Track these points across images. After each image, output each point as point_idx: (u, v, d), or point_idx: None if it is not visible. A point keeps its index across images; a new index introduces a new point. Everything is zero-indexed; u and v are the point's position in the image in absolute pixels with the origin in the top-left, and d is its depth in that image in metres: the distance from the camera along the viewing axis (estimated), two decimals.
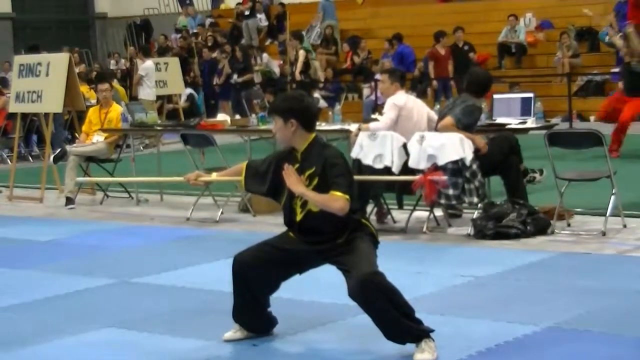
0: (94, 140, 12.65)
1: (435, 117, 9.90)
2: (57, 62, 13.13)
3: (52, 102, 12.97)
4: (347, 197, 5.68)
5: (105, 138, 12.61)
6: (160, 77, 19.89)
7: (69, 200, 12.22)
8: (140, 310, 7.11)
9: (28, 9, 32.49)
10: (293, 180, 5.77)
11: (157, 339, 6.33)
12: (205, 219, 10.84)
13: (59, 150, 12.89)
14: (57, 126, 17.08)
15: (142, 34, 30.28)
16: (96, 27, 35.08)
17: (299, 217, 5.93)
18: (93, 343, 6.28)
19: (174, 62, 20.87)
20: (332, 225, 5.81)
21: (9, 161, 16.49)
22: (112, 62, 29.20)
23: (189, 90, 23.93)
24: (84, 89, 16.52)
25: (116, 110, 12.74)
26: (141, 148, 17.84)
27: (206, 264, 8.62)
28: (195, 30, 29.20)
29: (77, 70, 15.34)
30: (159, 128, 12.71)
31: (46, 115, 13.83)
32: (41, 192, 12.87)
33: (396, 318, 5.68)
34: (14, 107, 13.63)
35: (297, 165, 5.86)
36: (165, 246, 9.67)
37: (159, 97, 20.63)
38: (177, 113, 20.70)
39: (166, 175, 12.91)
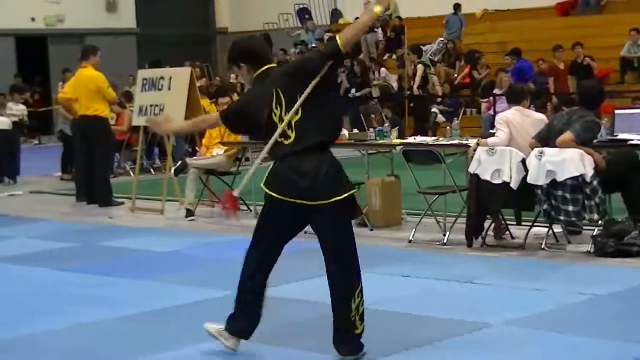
0: (214, 153, 12.83)
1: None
2: (179, 77, 13.36)
3: (174, 116, 13.12)
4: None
5: (225, 151, 12.78)
6: None
7: (189, 212, 12.40)
8: (261, 321, 7.15)
9: (152, 24, 33.15)
10: None
11: (279, 352, 6.38)
12: None
13: (179, 163, 13.09)
14: (178, 139, 17.36)
15: None
16: (217, 41, 35.63)
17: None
18: (213, 354, 6.37)
19: None
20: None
21: (131, 173, 16.81)
22: (233, 76, 29.57)
23: None
24: (205, 103, 16.76)
25: None
26: (260, 162, 17.98)
27: (324, 277, 8.64)
28: (314, 45, 29.41)
29: (198, 84, 15.58)
30: None
31: None
32: (162, 204, 13.09)
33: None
34: (137, 121, 13.89)
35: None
36: (283, 259, 9.71)
37: None
38: None
39: None
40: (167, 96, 13.13)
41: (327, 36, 29.98)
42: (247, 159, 13.38)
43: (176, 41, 33.31)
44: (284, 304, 7.75)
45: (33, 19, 30.98)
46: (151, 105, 13.32)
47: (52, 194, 15.83)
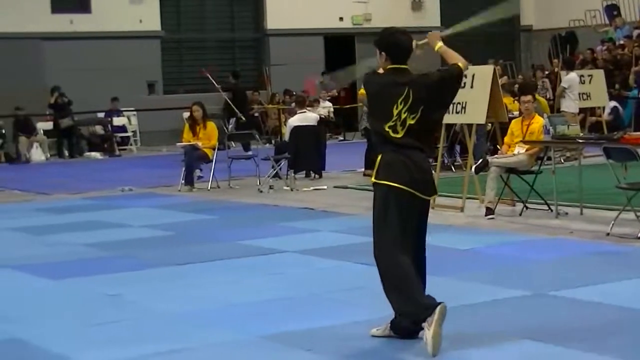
0: (516, 151, 12.73)
1: None
2: (482, 74, 13.34)
3: (476, 114, 13.18)
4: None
5: (527, 150, 12.65)
6: (584, 89, 19.65)
7: (489, 211, 12.37)
8: (556, 324, 7.06)
9: (456, 22, 33.24)
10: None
11: (571, 355, 6.27)
12: (626, 234, 10.57)
13: (480, 160, 13.08)
14: (479, 137, 17.32)
15: (566, 46, 30.06)
16: (521, 39, 35.31)
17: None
18: (508, 354, 6.35)
19: (599, 75, 20.54)
20: None
21: (432, 171, 16.93)
22: (539, 73, 29.22)
23: (613, 103, 23.46)
24: (507, 100, 16.65)
25: (538, 122, 12.74)
26: (562, 161, 17.67)
27: (625, 280, 8.42)
28: (621, 42, 28.56)
29: (500, 82, 15.49)
30: (580, 141, 12.55)
31: (469, 126, 14.10)
32: (462, 202, 13.12)
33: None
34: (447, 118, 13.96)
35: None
36: (583, 260, 9.54)
37: (581, 110, 20.38)
38: (600, 126, 20.36)
39: (588, 190, 12.74)
40: (469, 93, 13.12)
41: (636, 33, 29.03)
42: (549, 158, 13.18)
43: (480, 39, 33.22)
44: (579, 306, 7.60)
45: (341, 19, 31.86)
46: (454, 103, 13.35)
47: (355, 188, 16.20)
